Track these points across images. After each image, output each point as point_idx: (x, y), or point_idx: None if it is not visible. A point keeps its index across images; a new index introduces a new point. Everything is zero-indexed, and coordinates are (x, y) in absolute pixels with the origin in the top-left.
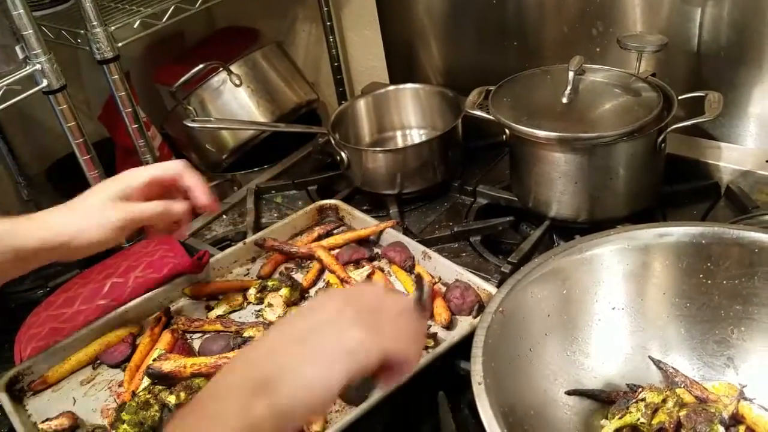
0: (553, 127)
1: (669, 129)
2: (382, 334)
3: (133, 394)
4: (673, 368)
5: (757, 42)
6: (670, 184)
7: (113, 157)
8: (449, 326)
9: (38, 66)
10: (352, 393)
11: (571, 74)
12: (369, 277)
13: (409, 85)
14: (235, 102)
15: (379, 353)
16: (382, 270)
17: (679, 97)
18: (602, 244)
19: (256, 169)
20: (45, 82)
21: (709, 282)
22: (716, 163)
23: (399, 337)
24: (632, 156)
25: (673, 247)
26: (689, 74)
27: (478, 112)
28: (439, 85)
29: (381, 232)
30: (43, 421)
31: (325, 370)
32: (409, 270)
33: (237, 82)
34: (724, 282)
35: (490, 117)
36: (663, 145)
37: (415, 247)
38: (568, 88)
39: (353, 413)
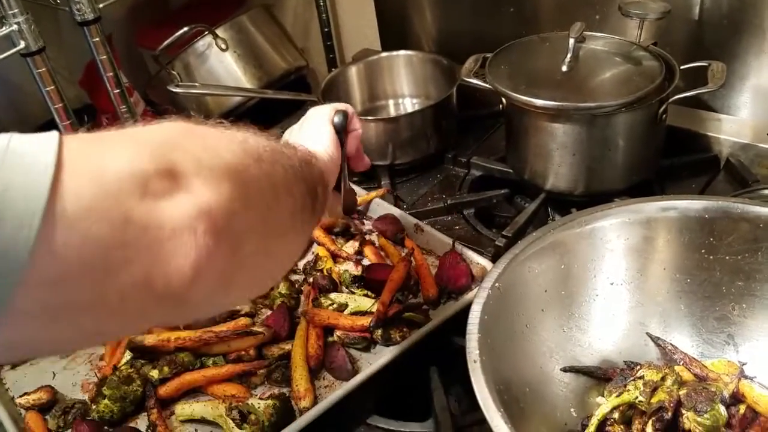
0: (551, 96)
1: (670, 100)
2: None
3: (115, 368)
4: (672, 345)
5: (760, 10)
6: (669, 157)
7: (95, 124)
8: (437, 301)
9: (15, 27)
10: (343, 369)
11: (571, 41)
12: (360, 251)
13: (402, 52)
14: (221, 67)
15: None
16: (372, 243)
17: (681, 67)
18: (603, 217)
19: None
20: (22, 44)
21: (711, 257)
22: (716, 135)
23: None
24: (632, 127)
25: (676, 222)
26: (690, 44)
27: (474, 80)
28: (433, 52)
29: (370, 202)
30: (20, 396)
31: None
32: (400, 243)
33: (223, 46)
34: (727, 257)
35: (487, 85)
36: (664, 116)
37: (407, 220)
38: (568, 55)
39: (343, 389)
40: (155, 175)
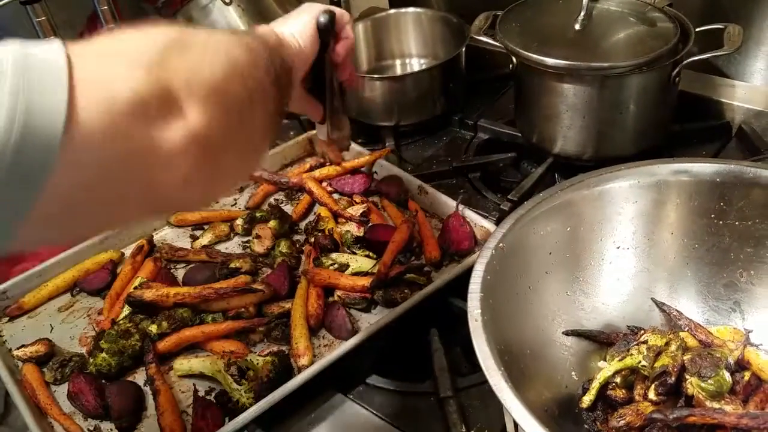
0: (563, 55)
1: (684, 62)
2: None
3: (113, 322)
4: (677, 311)
5: None
6: (680, 123)
7: None
8: (440, 264)
9: None
10: (342, 328)
11: (585, 0)
12: (365, 214)
13: (410, 9)
14: (224, 21)
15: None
16: (376, 205)
17: (696, 29)
18: (613, 179)
19: None
20: None
21: (721, 223)
22: (729, 102)
23: None
24: (644, 90)
25: (687, 185)
26: (705, 6)
27: (484, 38)
28: (442, 10)
29: (374, 162)
30: (18, 348)
31: (301, 14)
32: (404, 205)
33: (227, 0)
34: (737, 223)
35: (497, 44)
36: (677, 79)
37: (412, 182)
38: (582, 13)
39: (342, 348)
40: (153, 102)
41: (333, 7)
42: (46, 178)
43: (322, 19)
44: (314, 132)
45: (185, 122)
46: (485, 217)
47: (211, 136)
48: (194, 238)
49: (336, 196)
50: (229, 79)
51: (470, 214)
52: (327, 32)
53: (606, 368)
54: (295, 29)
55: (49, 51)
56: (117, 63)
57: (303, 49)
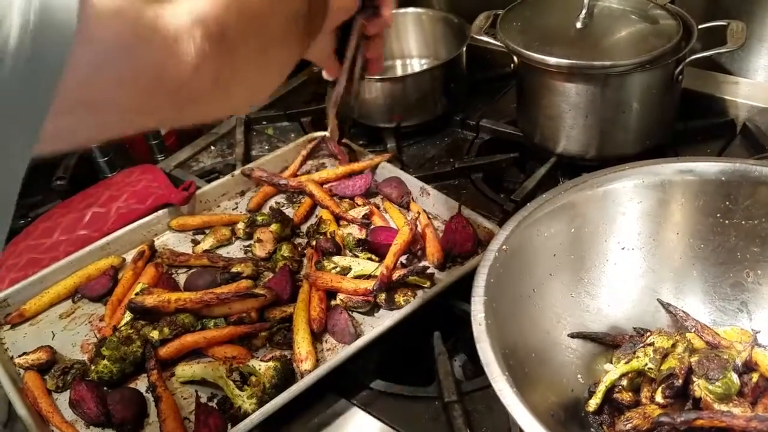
0: (565, 54)
1: (687, 60)
2: None
3: (115, 328)
4: (684, 312)
5: None
6: (684, 121)
7: None
8: (443, 266)
9: None
10: (345, 332)
11: None
12: (367, 216)
13: (410, 10)
14: None
15: None
16: (377, 207)
17: (699, 27)
18: (616, 179)
19: None
20: None
21: (727, 222)
22: (733, 99)
23: None
24: (647, 88)
25: (692, 185)
26: (708, 3)
27: (485, 38)
28: (442, 10)
29: (376, 166)
30: (19, 356)
31: None
32: (406, 207)
33: None
34: (743, 222)
35: (498, 43)
36: (680, 77)
37: (413, 183)
38: (583, 12)
39: (345, 352)
40: None
41: None
42: (66, 61)
43: None
44: (316, 134)
45: (189, 4)
46: (488, 218)
47: (216, 23)
48: (195, 242)
49: (337, 198)
50: None
51: (473, 216)
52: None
53: (612, 371)
54: None
55: None
56: None
57: None
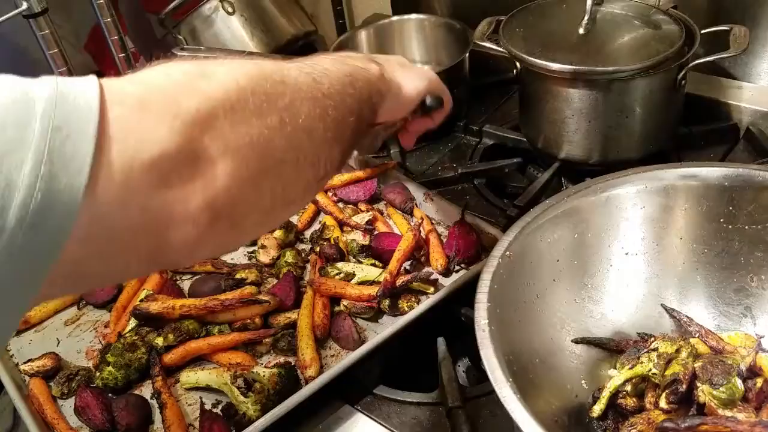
0: (568, 59)
1: (690, 65)
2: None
3: (119, 335)
4: (688, 317)
5: None
6: (687, 125)
7: None
8: (446, 272)
9: None
10: (349, 338)
11: (589, 3)
12: (371, 222)
13: (413, 16)
14: (227, 31)
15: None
16: (381, 212)
17: (702, 31)
18: (620, 184)
19: None
20: (25, 5)
21: (730, 227)
22: (736, 103)
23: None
24: (650, 93)
25: (695, 190)
26: (710, 8)
27: (488, 44)
28: (445, 16)
29: (381, 173)
30: (25, 362)
31: (418, 79)
32: (409, 213)
33: (230, 9)
34: (746, 227)
35: (500, 50)
36: (683, 82)
37: (417, 189)
38: (586, 17)
39: (349, 358)
40: (178, 162)
41: (445, 93)
42: (64, 246)
43: (430, 102)
44: None
45: (204, 185)
46: (492, 224)
47: (228, 202)
48: None
49: (341, 204)
50: (275, 140)
51: (476, 221)
52: (425, 111)
53: (616, 377)
54: (410, 86)
55: (83, 95)
56: (158, 112)
57: (401, 108)
